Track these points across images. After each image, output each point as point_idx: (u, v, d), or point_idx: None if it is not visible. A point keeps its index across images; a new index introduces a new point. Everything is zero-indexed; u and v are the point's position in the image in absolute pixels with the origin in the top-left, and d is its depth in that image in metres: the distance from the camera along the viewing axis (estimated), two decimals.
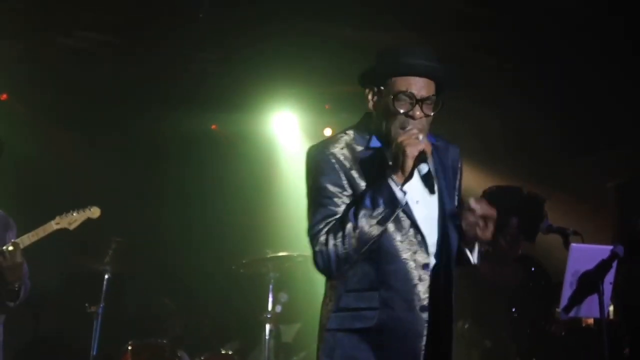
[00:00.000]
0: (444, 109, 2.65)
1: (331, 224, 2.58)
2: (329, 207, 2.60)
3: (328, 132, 7.20)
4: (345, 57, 5.63)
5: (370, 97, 2.70)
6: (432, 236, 2.66)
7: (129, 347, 5.38)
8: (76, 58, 6.23)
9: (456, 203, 2.79)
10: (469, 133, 6.43)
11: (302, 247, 6.08)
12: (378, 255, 2.59)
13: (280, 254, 5.43)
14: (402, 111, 2.60)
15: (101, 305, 5.23)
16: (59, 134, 6.53)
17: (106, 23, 5.91)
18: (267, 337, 5.29)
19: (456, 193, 2.81)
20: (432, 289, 2.61)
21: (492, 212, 2.59)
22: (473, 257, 2.72)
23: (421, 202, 2.66)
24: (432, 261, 2.65)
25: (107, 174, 6.47)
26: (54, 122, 6.55)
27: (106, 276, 5.29)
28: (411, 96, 2.60)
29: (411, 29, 5.57)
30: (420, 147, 2.52)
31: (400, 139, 2.54)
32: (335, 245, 2.54)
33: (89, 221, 4.09)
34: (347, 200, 2.60)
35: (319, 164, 2.65)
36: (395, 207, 2.54)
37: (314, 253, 2.61)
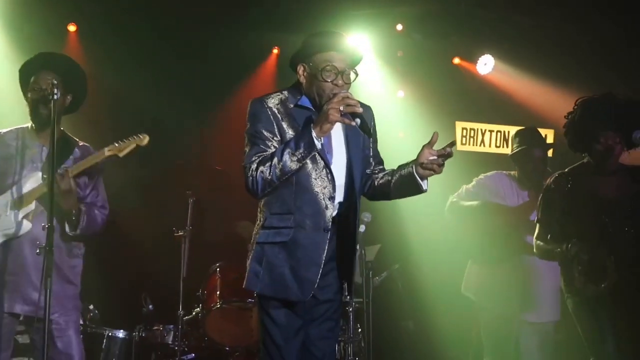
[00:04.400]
0: None
1: (261, 157, 3.30)
2: (261, 146, 3.34)
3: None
4: None
5: (301, 71, 3.41)
6: (340, 177, 3.39)
7: (217, 269, 5.52)
8: None
9: (370, 152, 3.61)
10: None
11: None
12: (296, 187, 3.32)
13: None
14: (329, 80, 3.33)
15: (188, 228, 5.36)
16: (126, 63, 6.55)
17: None
18: (355, 256, 5.30)
19: (371, 145, 3.62)
20: (336, 215, 3.37)
21: (449, 152, 3.36)
22: (424, 185, 3.50)
23: (336, 149, 3.39)
24: (339, 195, 3.38)
25: (181, 102, 6.50)
26: (124, 53, 6.57)
27: (190, 200, 5.40)
28: (334, 68, 3.33)
29: None
30: (337, 118, 3.19)
31: (329, 105, 3.20)
32: (262, 172, 3.27)
33: (138, 149, 4.08)
34: (276, 144, 3.33)
35: (257, 113, 3.39)
36: (311, 150, 3.25)
37: (246, 178, 3.32)
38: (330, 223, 3.34)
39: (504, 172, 5.38)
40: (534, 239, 4.47)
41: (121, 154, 4.03)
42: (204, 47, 6.59)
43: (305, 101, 3.42)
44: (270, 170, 3.24)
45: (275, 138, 3.34)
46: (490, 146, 7.46)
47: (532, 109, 7.04)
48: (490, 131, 7.53)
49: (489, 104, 7.41)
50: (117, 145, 4.03)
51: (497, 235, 5.13)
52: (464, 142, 7.61)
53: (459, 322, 5.98)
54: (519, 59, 7.13)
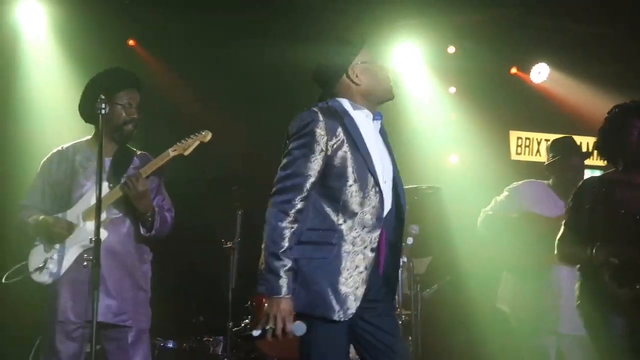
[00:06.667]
0: None
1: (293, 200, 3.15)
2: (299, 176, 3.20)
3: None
4: None
5: (354, 75, 3.32)
6: (388, 191, 3.25)
7: None
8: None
9: None
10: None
11: (431, 179, 6.07)
12: (342, 207, 3.16)
13: (409, 186, 5.37)
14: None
15: (237, 240, 5.40)
16: (175, 75, 6.67)
17: None
18: (400, 272, 5.28)
19: None
20: (382, 235, 3.23)
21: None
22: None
23: (384, 162, 3.28)
24: (386, 213, 3.24)
25: (231, 114, 6.57)
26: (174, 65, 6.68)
27: (239, 212, 5.45)
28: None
29: None
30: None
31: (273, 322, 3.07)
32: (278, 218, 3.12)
33: (210, 151, 4.10)
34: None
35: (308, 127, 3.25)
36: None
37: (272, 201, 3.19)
38: (376, 243, 3.19)
39: (538, 181, 5.27)
40: (557, 241, 4.32)
41: (186, 153, 4.05)
42: (254, 59, 6.64)
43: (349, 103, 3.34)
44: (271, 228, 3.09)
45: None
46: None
47: (587, 117, 6.89)
48: (546, 140, 7.41)
49: (543, 112, 7.30)
50: (180, 144, 4.05)
51: (533, 246, 5.00)
52: (518, 151, 7.52)
53: (500, 337, 5.87)
54: (574, 67, 7.01)
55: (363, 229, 3.17)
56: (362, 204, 3.17)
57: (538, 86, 7.22)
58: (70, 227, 4.02)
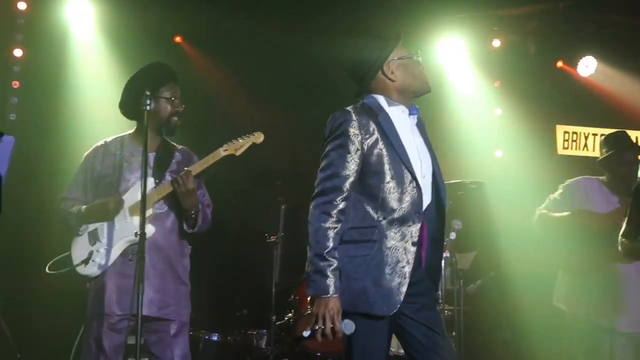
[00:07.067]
0: None
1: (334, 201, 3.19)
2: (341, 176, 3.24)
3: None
4: None
5: (389, 71, 3.34)
6: (427, 185, 3.27)
7: None
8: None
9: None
10: None
11: (475, 174, 6.03)
12: (382, 203, 3.18)
13: (452, 181, 5.34)
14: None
15: (280, 235, 5.44)
16: (221, 72, 6.72)
17: None
18: (442, 265, 5.26)
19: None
20: (423, 229, 3.25)
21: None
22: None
23: (423, 157, 3.29)
24: (426, 203, 3.25)
25: (275, 109, 6.60)
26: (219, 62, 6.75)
27: (283, 207, 5.48)
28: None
29: None
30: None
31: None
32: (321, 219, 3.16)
33: (254, 146, 4.11)
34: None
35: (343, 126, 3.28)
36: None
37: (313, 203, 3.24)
38: (417, 237, 3.21)
39: (592, 177, 5.19)
40: (620, 237, 4.26)
41: (238, 153, 4.08)
42: (299, 54, 6.67)
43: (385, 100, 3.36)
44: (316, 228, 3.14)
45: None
46: (594, 150, 7.22)
47: (637, 110, 6.78)
48: (594, 135, 7.30)
49: (591, 106, 7.19)
50: (232, 144, 4.08)
51: (589, 243, 4.94)
52: (565, 146, 7.41)
53: (554, 334, 5.81)
54: (622, 60, 6.88)
55: (403, 223, 3.18)
56: (400, 200, 3.19)
57: (585, 80, 7.11)
58: (119, 204, 4.07)
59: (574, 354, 5.13)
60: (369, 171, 3.21)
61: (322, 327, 3.10)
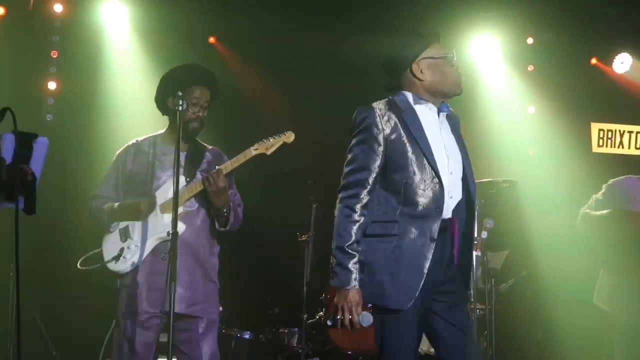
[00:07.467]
0: None
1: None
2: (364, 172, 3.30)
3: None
4: None
5: (418, 70, 3.33)
6: (453, 183, 3.27)
7: None
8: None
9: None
10: None
11: (509, 172, 5.99)
12: (404, 198, 3.21)
13: (485, 179, 5.33)
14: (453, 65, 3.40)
15: (311, 234, 5.46)
16: (254, 72, 6.76)
17: None
18: (474, 264, 5.25)
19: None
20: (454, 226, 3.28)
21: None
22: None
23: (451, 152, 3.29)
24: (454, 199, 3.28)
25: (307, 108, 6.62)
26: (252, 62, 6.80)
27: (314, 206, 5.51)
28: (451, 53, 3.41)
29: None
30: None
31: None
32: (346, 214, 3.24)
33: (284, 145, 4.12)
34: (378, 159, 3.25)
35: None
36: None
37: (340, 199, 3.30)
38: (437, 232, 3.21)
39: (634, 176, 5.13)
40: None
41: (269, 152, 4.10)
42: (330, 53, 6.68)
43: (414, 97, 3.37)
44: (341, 223, 3.20)
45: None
46: (629, 148, 7.12)
47: None
48: (630, 132, 7.19)
49: (627, 104, 7.09)
50: (263, 143, 4.10)
51: (632, 243, 4.89)
52: (600, 144, 7.30)
53: (589, 334, 5.76)
54: None
55: (423, 219, 3.20)
56: (422, 195, 3.21)
57: (620, 77, 7.03)
58: (152, 205, 4.11)
59: (614, 355, 5.08)
60: (392, 166, 3.24)
61: (342, 317, 3.17)
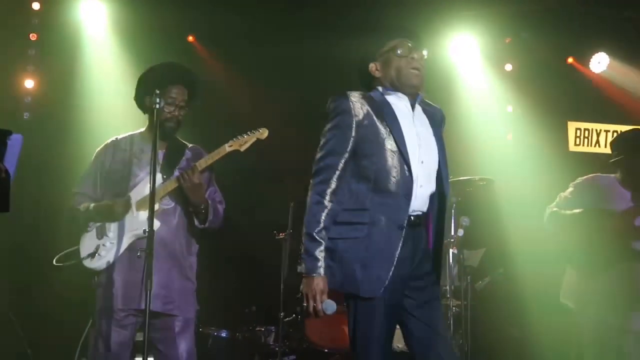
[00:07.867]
0: None
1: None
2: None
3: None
4: None
5: (374, 69, 3.38)
6: (425, 173, 3.28)
7: None
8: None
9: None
10: None
11: (485, 171, 6.02)
12: (374, 185, 3.22)
13: (462, 177, 5.34)
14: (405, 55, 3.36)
15: (289, 232, 5.47)
16: (233, 71, 6.77)
17: None
18: (450, 262, 5.29)
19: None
20: (428, 218, 3.34)
21: None
22: None
23: (425, 144, 3.30)
24: (426, 190, 3.29)
25: (287, 109, 6.63)
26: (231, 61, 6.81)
27: (291, 204, 5.52)
28: (406, 45, 3.38)
29: None
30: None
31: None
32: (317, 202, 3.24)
33: (262, 144, 4.15)
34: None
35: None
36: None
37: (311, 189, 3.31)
38: (405, 221, 3.22)
39: (605, 174, 5.15)
40: None
41: (242, 148, 4.12)
42: (309, 52, 6.69)
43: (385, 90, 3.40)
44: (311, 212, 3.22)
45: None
46: (606, 147, 7.19)
47: None
48: (606, 131, 7.27)
49: (603, 103, 7.16)
50: (237, 140, 4.12)
51: (602, 242, 4.90)
52: (577, 142, 7.38)
53: (563, 331, 5.81)
54: (634, 57, 6.85)
55: (393, 208, 3.21)
56: (392, 183, 3.22)
57: (597, 76, 7.09)
58: (127, 207, 4.11)
59: (583, 351, 5.11)
60: (363, 152, 3.25)
61: (306, 305, 3.18)
